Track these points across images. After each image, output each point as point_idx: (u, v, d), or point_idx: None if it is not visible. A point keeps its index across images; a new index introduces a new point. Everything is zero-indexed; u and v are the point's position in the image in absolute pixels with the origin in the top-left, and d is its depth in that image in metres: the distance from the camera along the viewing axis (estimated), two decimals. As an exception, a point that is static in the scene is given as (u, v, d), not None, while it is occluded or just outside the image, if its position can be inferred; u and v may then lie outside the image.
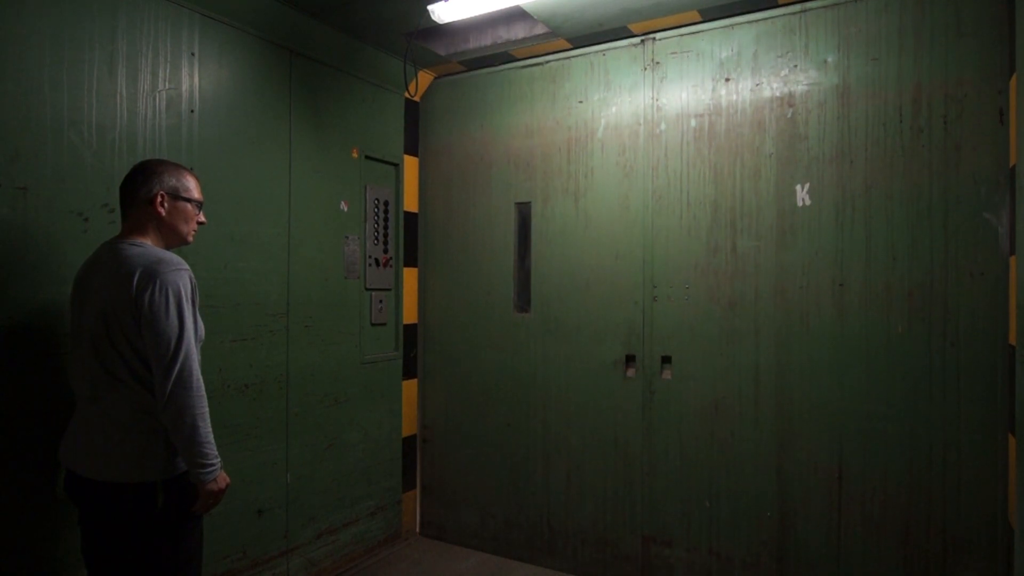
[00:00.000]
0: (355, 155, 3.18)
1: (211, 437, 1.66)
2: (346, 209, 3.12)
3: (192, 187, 1.82)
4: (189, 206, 1.80)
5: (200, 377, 1.65)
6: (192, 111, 2.41)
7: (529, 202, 3.28)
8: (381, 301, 3.34)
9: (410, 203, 3.57)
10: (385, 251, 3.37)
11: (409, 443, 3.56)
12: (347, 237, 3.13)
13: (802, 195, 2.61)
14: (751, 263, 2.70)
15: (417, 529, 3.64)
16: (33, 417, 1.92)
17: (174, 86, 2.34)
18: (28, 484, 1.91)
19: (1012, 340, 2.17)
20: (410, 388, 3.56)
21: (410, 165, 3.57)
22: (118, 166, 2.16)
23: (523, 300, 3.32)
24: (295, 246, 2.84)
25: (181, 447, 1.63)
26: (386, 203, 3.38)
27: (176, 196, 1.77)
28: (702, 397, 2.81)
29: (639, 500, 2.96)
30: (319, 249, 2.96)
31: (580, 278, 3.11)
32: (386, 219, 3.38)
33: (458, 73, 3.50)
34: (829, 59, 2.57)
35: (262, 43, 2.68)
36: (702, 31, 2.82)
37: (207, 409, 1.66)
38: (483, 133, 3.42)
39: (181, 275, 1.65)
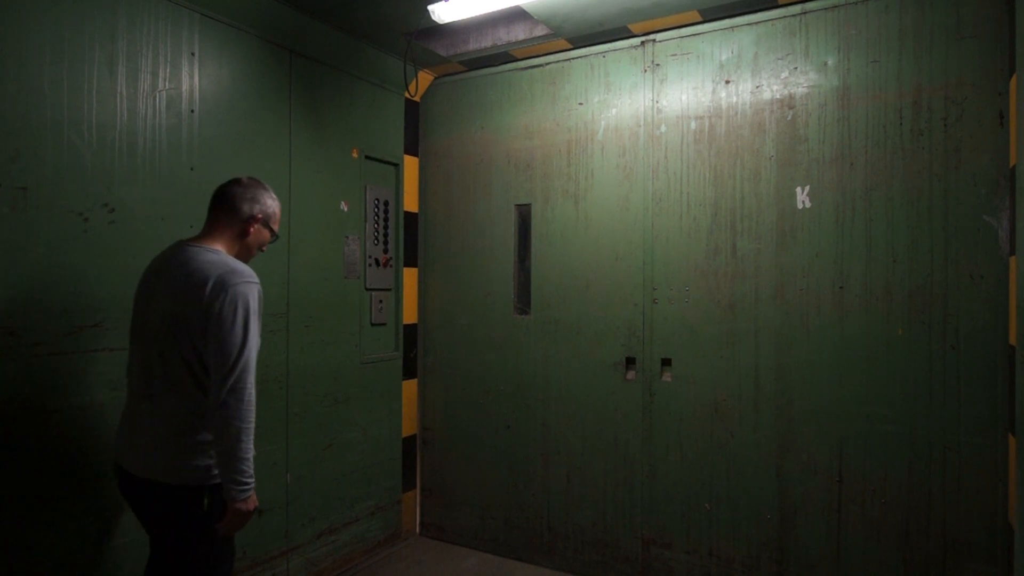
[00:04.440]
0: (355, 155, 3.18)
1: (251, 455, 1.66)
2: (346, 209, 3.12)
3: (278, 220, 1.94)
4: (269, 236, 1.91)
5: (253, 393, 1.66)
6: (192, 111, 2.40)
7: (529, 204, 3.28)
8: (381, 301, 3.34)
9: (410, 203, 3.57)
10: (385, 251, 3.37)
11: (409, 443, 3.56)
12: (347, 237, 3.12)
13: (802, 197, 2.61)
14: (751, 265, 2.70)
15: (417, 529, 3.64)
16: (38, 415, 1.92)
17: (174, 86, 2.34)
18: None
19: (1012, 341, 2.17)
20: (410, 388, 3.56)
21: (410, 165, 3.57)
22: (118, 166, 2.15)
23: (523, 301, 3.32)
24: (295, 246, 2.83)
25: (221, 458, 1.64)
26: (386, 203, 3.38)
27: (266, 224, 1.88)
28: (702, 399, 2.81)
29: (639, 502, 2.96)
30: (319, 249, 2.96)
31: (580, 280, 3.11)
32: (386, 219, 3.37)
33: (458, 73, 3.50)
34: (829, 61, 2.57)
35: (262, 43, 2.67)
36: (702, 32, 2.83)
37: (253, 426, 1.65)
38: (483, 134, 3.42)
39: (252, 288, 1.69)
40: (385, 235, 3.37)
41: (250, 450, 1.65)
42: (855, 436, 2.50)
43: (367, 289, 3.25)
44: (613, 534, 3.02)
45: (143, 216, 2.23)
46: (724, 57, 2.78)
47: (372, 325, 3.29)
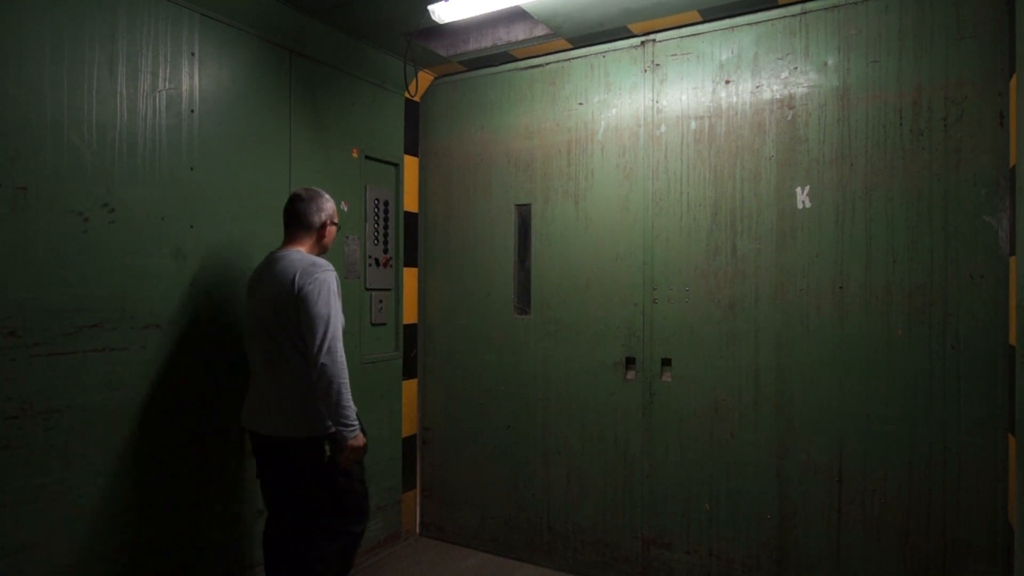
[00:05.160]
0: (355, 155, 3.18)
1: (351, 402, 2.08)
2: (346, 209, 3.12)
3: (337, 213, 2.37)
4: (336, 228, 2.36)
5: (343, 354, 2.07)
6: (192, 111, 2.40)
7: (529, 204, 3.28)
8: (381, 301, 3.34)
9: (410, 203, 3.57)
10: (385, 251, 3.37)
11: (409, 443, 3.56)
12: (347, 237, 3.12)
13: (802, 197, 2.61)
14: (751, 265, 2.70)
15: (417, 529, 3.64)
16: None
17: (174, 86, 2.34)
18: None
19: (1012, 341, 2.17)
20: (410, 388, 3.56)
21: (410, 165, 3.57)
22: (118, 166, 2.15)
23: (523, 301, 3.32)
24: (295, 246, 2.83)
25: (327, 409, 2.07)
26: (386, 203, 3.38)
27: (333, 222, 2.32)
28: (702, 399, 2.81)
29: (639, 502, 2.96)
30: (319, 249, 2.96)
31: (580, 280, 3.11)
32: (386, 219, 3.37)
33: (458, 73, 3.50)
34: (829, 61, 2.57)
35: (262, 43, 2.67)
36: (702, 32, 2.83)
37: (348, 380, 2.07)
38: (483, 134, 3.42)
39: (330, 274, 2.12)
40: (385, 235, 3.37)
41: (350, 398, 2.07)
42: (855, 436, 2.50)
43: (367, 289, 3.25)
44: (613, 534, 3.02)
45: (143, 216, 2.23)
46: (724, 57, 2.78)
47: (372, 325, 3.29)
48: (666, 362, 2.90)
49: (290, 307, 2.06)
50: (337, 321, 2.07)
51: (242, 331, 2.58)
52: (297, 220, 2.24)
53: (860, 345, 2.49)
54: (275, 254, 2.22)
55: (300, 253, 2.19)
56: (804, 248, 2.60)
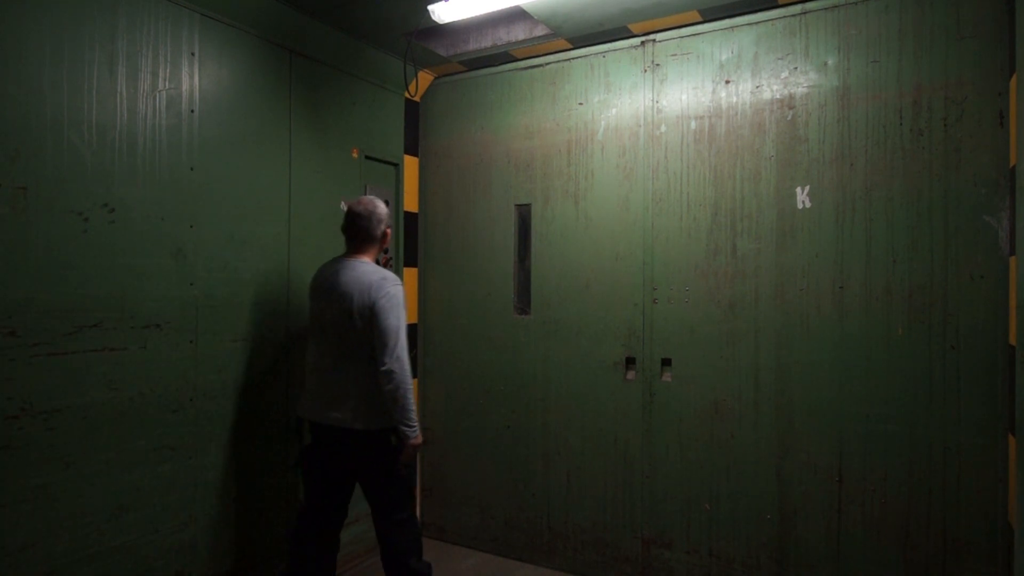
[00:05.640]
0: (355, 155, 3.18)
1: (414, 405, 2.30)
2: (346, 209, 3.11)
3: (390, 216, 2.63)
4: (391, 229, 2.58)
5: (408, 361, 2.30)
6: (192, 111, 2.40)
7: (529, 204, 3.28)
8: (381, 302, 3.33)
9: (410, 203, 3.57)
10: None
11: (408, 444, 3.56)
12: (347, 237, 3.12)
13: (802, 197, 2.61)
14: (751, 265, 2.70)
15: (416, 530, 3.64)
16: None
17: (174, 86, 2.34)
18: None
19: (1012, 341, 2.17)
20: (410, 389, 3.56)
21: (410, 165, 3.57)
22: (118, 166, 2.15)
23: (523, 301, 3.32)
24: (295, 246, 2.83)
25: (392, 409, 2.28)
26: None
27: (388, 226, 2.52)
28: (702, 399, 2.81)
29: (639, 502, 2.96)
30: (319, 249, 2.96)
31: (580, 280, 3.11)
32: (386, 219, 3.37)
33: (458, 73, 3.50)
34: (829, 61, 2.57)
35: (262, 43, 2.67)
36: (702, 32, 2.83)
37: (411, 385, 2.29)
38: (483, 134, 3.42)
39: (399, 288, 2.35)
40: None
41: (412, 401, 2.30)
42: (855, 436, 2.50)
43: (367, 289, 3.25)
44: (613, 534, 3.02)
45: (143, 216, 2.23)
46: (724, 57, 2.78)
47: (372, 325, 3.29)
48: (666, 362, 2.90)
49: (364, 317, 2.29)
50: (404, 331, 2.32)
51: (242, 331, 2.59)
52: (360, 235, 2.44)
53: (860, 345, 2.49)
54: (344, 262, 2.42)
55: (370, 265, 2.41)
56: (804, 248, 2.60)
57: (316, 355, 2.43)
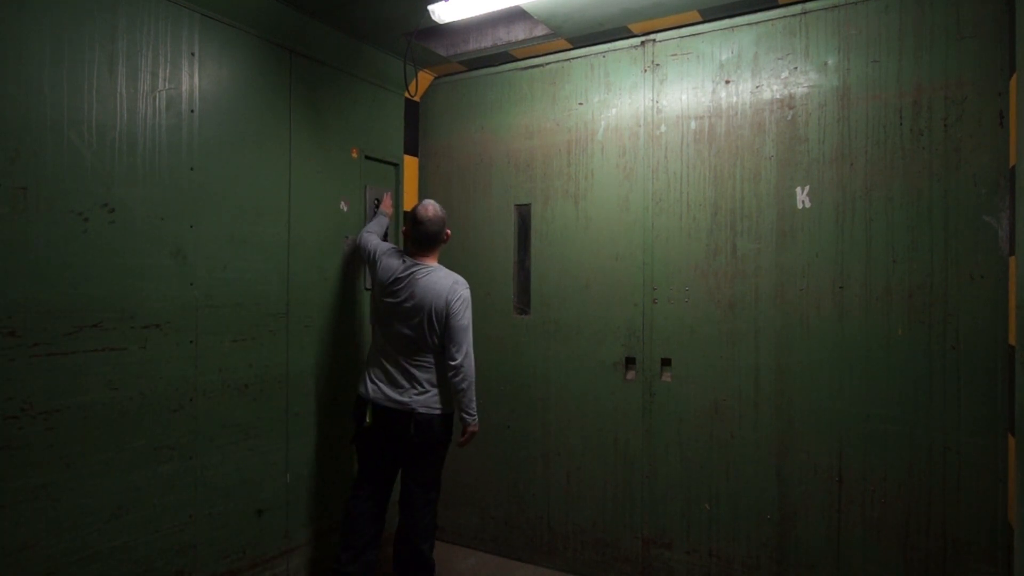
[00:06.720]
0: (355, 155, 3.18)
1: (475, 396, 2.65)
2: (346, 209, 3.12)
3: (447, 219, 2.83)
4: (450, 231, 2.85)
5: (474, 358, 2.65)
6: (192, 111, 2.40)
7: (529, 204, 3.28)
8: (381, 301, 3.33)
9: (410, 203, 3.57)
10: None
11: (409, 444, 3.56)
12: (347, 237, 3.12)
13: (802, 197, 2.61)
14: (751, 265, 2.70)
15: (416, 530, 3.63)
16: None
17: (174, 86, 2.34)
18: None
19: (1012, 341, 2.17)
20: (410, 389, 3.55)
21: (410, 165, 3.57)
22: (118, 166, 2.15)
23: (523, 301, 3.32)
24: (295, 246, 2.83)
25: (458, 399, 2.62)
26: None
27: (448, 228, 2.79)
28: (702, 399, 2.81)
29: (639, 502, 2.96)
30: (319, 249, 2.96)
31: (580, 280, 3.12)
32: (386, 219, 3.37)
33: (458, 73, 3.50)
34: (829, 61, 2.57)
35: (262, 43, 2.67)
36: (702, 32, 2.83)
37: (475, 378, 2.65)
38: (483, 134, 3.42)
39: (468, 292, 2.67)
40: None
41: (474, 392, 2.64)
42: (855, 436, 2.50)
43: (367, 289, 3.25)
44: (613, 534, 3.02)
45: (143, 216, 2.23)
46: (724, 57, 2.78)
47: (372, 325, 3.29)
48: (666, 362, 2.90)
49: (440, 317, 2.59)
50: (471, 331, 2.63)
51: (243, 331, 2.59)
52: (432, 241, 2.71)
53: (860, 345, 2.49)
54: (418, 262, 2.69)
55: (442, 269, 2.70)
56: (804, 248, 2.60)
57: (383, 343, 2.70)
